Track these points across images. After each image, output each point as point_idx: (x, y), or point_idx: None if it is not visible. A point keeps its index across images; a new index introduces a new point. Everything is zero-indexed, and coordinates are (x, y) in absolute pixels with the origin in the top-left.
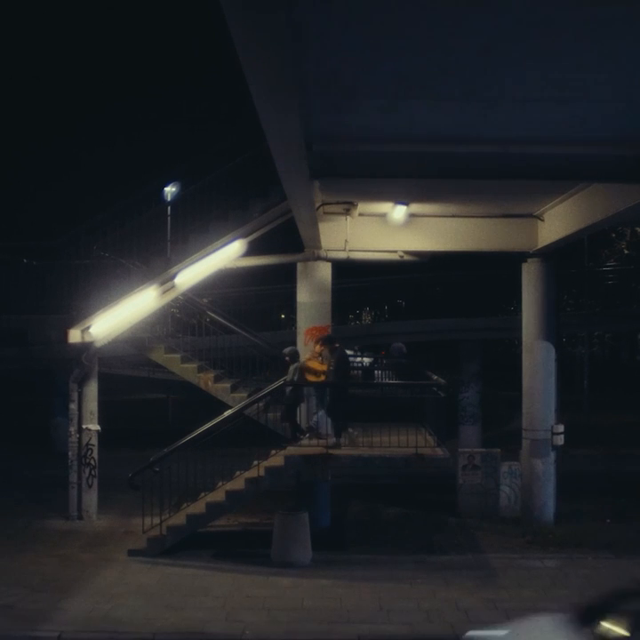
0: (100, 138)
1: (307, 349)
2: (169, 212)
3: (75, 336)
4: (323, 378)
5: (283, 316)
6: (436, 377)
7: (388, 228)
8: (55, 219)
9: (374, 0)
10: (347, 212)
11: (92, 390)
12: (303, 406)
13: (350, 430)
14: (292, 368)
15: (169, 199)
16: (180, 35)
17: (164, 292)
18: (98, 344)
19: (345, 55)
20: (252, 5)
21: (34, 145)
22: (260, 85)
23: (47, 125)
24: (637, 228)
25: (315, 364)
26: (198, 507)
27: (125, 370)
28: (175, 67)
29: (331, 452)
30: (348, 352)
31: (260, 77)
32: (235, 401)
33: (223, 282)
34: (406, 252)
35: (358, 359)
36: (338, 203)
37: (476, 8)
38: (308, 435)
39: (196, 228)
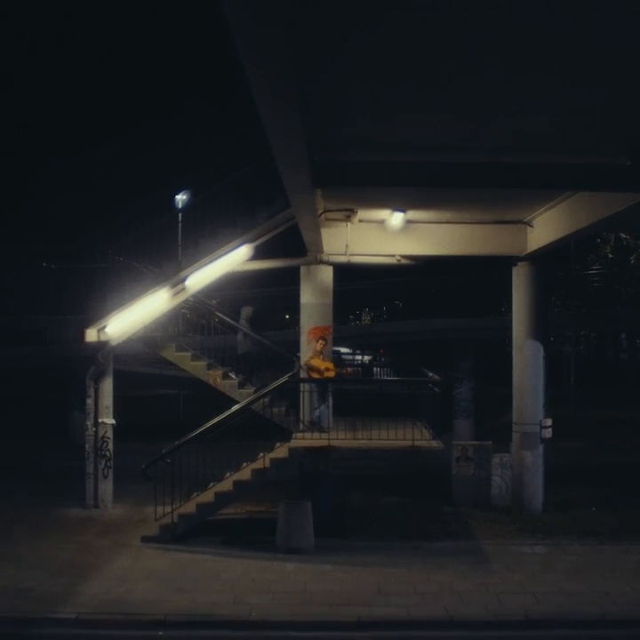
0: (116, 149)
1: (309, 348)
2: (180, 219)
3: (91, 335)
4: (325, 375)
5: (287, 317)
6: (431, 374)
7: (387, 234)
8: (73, 225)
9: (369, 22)
10: (347, 218)
11: (107, 386)
12: (306, 402)
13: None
14: None
15: (180, 206)
16: (193, 57)
17: (176, 293)
18: (113, 343)
19: (343, 71)
20: (255, 26)
21: (54, 158)
22: (265, 101)
23: (67, 140)
24: (621, 234)
25: (317, 362)
26: (207, 496)
27: (139, 367)
28: (188, 86)
29: (332, 444)
30: (347, 351)
31: (265, 94)
32: (242, 397)
33: (231, 284)
34: (403, 256)
35: (358, 357)
36: (339, 209)
37: (467, 29)
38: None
39: (205, 233)
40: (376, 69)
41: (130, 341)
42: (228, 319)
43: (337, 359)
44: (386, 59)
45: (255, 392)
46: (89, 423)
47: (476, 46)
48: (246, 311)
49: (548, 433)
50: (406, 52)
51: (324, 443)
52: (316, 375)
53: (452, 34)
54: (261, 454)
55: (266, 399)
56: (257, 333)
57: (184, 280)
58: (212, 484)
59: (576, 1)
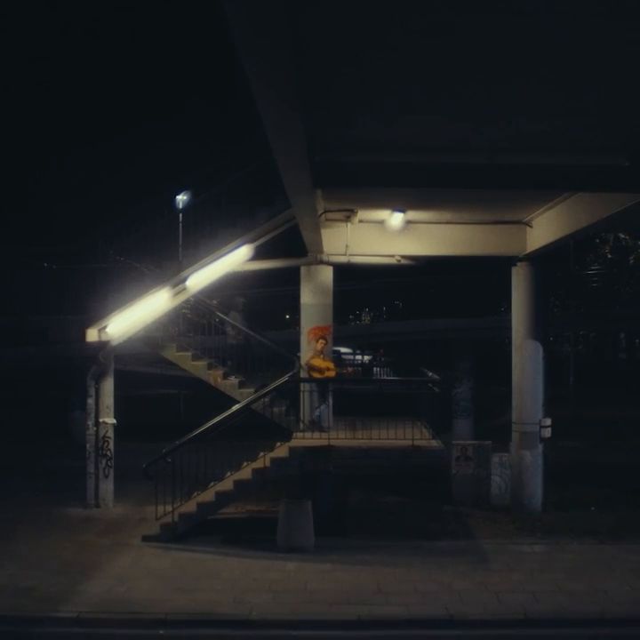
0: (117, 150)
1: (309, 348)
2: (180, 219)
3: (92, 335)
4: (326, 375)
5: (288, 317)
6: (431, 373)
7: (387, 234)
8: (74, 226)
9: (371, 32)
10: (347, 218)
11: (108, 386)
12: (306, 402)
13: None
14: None
15: (180, 207)
16: (192, 57)
17: (176, 293)
18: (114, 343)
19: (345, 76)
20: (256, 34)
21: (54, 158)
22: (265, 102)
23: (67, 140)
24: (620, 234)
25: (318, 362)
26: (208, 495)
27: (140, 367)
28: (188, 86)
29: (332, 443)
30: (347, 350)
31: (265, 95)
32: (242, 396)
33: (231, 284)
34: (403, 257)
35: (358, 357)
36: (339, 210)
37: (466, 34)
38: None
39: (206, 233)
40: (377, 75)
41: (131, 341)
42: (227, 318)
43: (337, 359)
44: (387, 65)
45: (255, 392)
46: (90, 423)
47: (476, 52)
48: (237, 303)
49: (547, 432)
50: (408, 60)
51: (324, 442)
52: (316, 375)
53: (453, 40)
54: (262, 454)
55: (266, 399)
56: (248, 325)
57: (184, 280)
58: (212, 484)
59: (575, 3)
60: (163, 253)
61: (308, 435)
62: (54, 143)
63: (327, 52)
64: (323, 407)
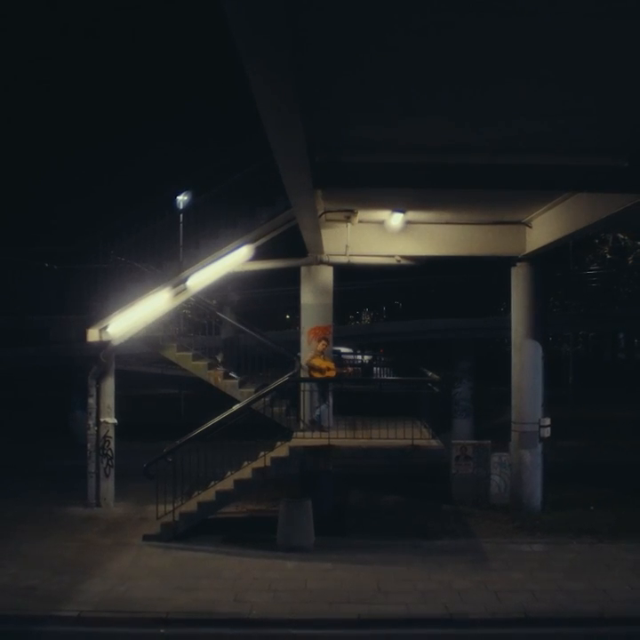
0: (117, 150)
1: (309, 348)
2: (181, 220)
3: (93, 335)
4: (326, 375)
5: (288, 317)
6: (430, 373)
7: (386, 235)
8: (75, 226)
9: (370, 29)
10: (347, 219)
11: (109, 386)
12: (306, 401)
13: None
14: None
15: (181, 207)
16: (192, 57)
17: (177, 293)
18: (115, 343)
19: (345, 77)
20: (256, 30)
21: (55, 159)
22: (265, 103)
23: (68, 141)
24: (619, 234)
25: (318, 362)
26: (208, 495)
27: (140, 367)
28: (188, 86)
29: (332, 443)
30: (347, 350)
31: (265, 96)
32: (242, 396)
33: (232, 284)
34: (403, 257)
35: (358, 357)
36: (339, 210)
37: (466, 34)
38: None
39: (206, 234)
40: (377, 75)
41: (131, 341)
42: (227, 317)
43: (337, 359)
44: (387, 66)
45: (256, 391)
46: (91, 422)
47: (476, 52)
48: (231, 299)
49: (546, 432)
50: (408, 60)
51: (325, 442)
52: (317, 375)
53: (453, 40)
54: (262, 453)
55: (266, 398)
56: (238, 320)
57: (185, 280)
58: (213, 483)
59: (575, 3)
60: (163, 253)
61: (308, 434)
62: (54, 143)
63: (327, 52)
64: (323, 407)
